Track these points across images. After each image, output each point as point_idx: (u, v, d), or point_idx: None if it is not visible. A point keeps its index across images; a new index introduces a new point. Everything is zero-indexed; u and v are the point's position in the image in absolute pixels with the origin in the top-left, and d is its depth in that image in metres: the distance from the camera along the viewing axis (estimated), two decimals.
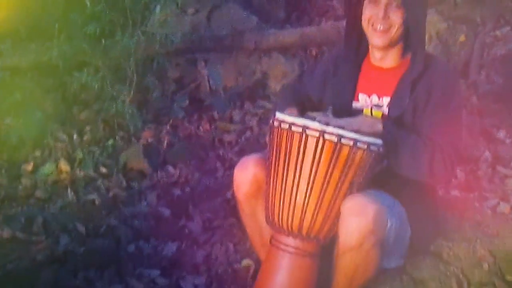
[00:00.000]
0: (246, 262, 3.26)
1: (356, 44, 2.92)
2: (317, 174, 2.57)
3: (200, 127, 4.86)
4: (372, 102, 2.85)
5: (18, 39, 5.21)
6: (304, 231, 2.62)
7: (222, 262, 3.30)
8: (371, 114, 2.82)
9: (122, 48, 4.78)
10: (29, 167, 4.27)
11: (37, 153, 4.41)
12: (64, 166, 4.21)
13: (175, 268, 3.26)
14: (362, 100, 2.86)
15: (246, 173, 2.79)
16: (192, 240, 3.50)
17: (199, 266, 3.28)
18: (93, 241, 3.45)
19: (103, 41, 4.83)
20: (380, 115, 2.81)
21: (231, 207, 3.63)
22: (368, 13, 2.78)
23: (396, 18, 2.74)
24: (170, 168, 4.31)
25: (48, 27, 5.01)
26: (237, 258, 3.33)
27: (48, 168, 4.24)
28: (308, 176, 2.58)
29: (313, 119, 2.59)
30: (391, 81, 2.83)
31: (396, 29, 2.75)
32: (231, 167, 2.89)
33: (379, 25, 2.75)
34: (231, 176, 2.88)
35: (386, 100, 2.82)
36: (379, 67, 2.88)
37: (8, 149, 4.39)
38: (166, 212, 3.80)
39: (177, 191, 4.04)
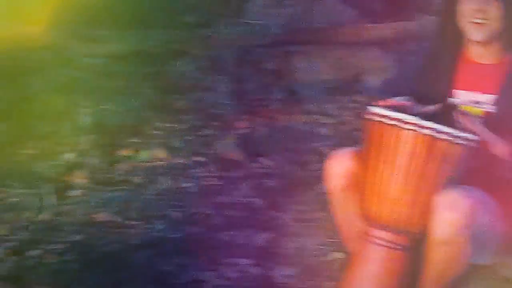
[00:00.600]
0: (336, 254, 3.25)
1: (452, 38, 2.86)
2: (412, 168, 2.55)
3: (294, 119, 4.87)
4: (470, 99, 2.79)
5: (118, 26, 5.34)
6: (397, 225, 2.60)
7: (312, 254, 3.31)
8: (468, 110, 2.76)
9: (220, 38, 4.83)
10: (127, 152, 4.37)
11: (135, 139, 4.51)
12: (160, 153, 4.30)
13: (266, 258, 3.28)
14: (459, 96, 2.80)
15: (338, 166, 2.79)
16: (283, 231, 3.52)
17: (290, 257, 3.29)
18: (187, 228, 3.52)
19: (202, 31, 4.89)
20: (479, 112, 2.75)
21: (323, 200, 3.62)
22: (466, 5, 2.72)
23: (495, 11, 2.68)
24: (264, 159, 4.33)
25: (148, 15, 5.12)
26: (327, 250, 3.32)
27: (145, 154, 4.34)
28: (402, 169, 2.56)
29: (412, 113, 2.57)
30: (492, 78, 2.76)
31: (494, 23, 2.69)
32: (324, 160, 2.89)
33: (477, 18, 2.69)
34: (324, 169, 2.88)
35: (485, 98, 2.75)
36: (478, 63, 2.80)
37: (107, 134, 4.51)
38: (259, 202, 3.83)
39: (270, 182, 4.06)
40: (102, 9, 5.36)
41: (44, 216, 3.66)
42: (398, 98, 2.84)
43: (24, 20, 5.15)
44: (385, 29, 5.44)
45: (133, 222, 3.59)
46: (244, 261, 3.26)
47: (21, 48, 4.94)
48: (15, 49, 4.89)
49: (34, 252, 3.35)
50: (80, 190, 3.94)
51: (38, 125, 4.44)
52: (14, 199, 3.80)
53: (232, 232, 3.50)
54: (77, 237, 3.47)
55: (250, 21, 5.18)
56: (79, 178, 4.06)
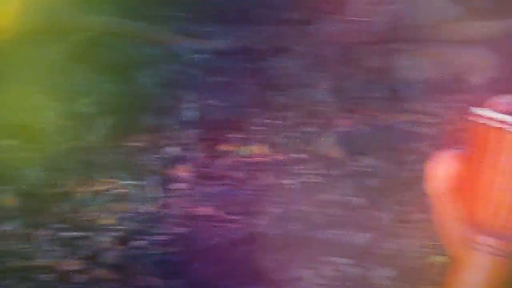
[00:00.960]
0: (437, 258, 3.21)
1: None
2: None
3: (396, 118, 4.81)
4: None
5: (224, 22, 5.42)
6: (502, 231, 2.54)
7: (413, 257, 3.27)
8: None
9: (323, 35, 4.84)
10: (229, 147, 4.44)
11: (237, 135, 4.57)
12: (261, 149, 4.35)
13: (365, 259, 3.27)
14: None
15: (441, 168, 2.73)
16: (383, 231, 3.50)
17: (389, 259, 3.27)
18: (286, 225, 3.55)
19: (305, 27, 4.91)
20: None
21: (424, 202, 3.57)
22: None
23: None
24: (365, 158, 4.30)
25: (252, 11, 5.17)
26: (427, 253, 3.28)
27: (246, 150, 4.39)
28: (508, 174, 2.49)
29: None
30: None
31: None
32: (426, 161, 2.85)
33: None
34: (425, 170, 2.85)
35: None
36: None
37: (210, 129, 4.59)
38: (359, 201, 3.82)
39: (370, 181, 4.04)
40: (208, 5, 5.45)
41: (149, 207, 3.77)
42: (504, 98, 2.77)
43: (134, 16, 5.30)
44: (491, 27, 5.30)
45: (234, 217, 3.65)
46: (342, 260, 3.26)
47: (130, 43, 5.09)
48: (124, 44, 5.04)
49: (139, 243, 3.46)
50: (183, 184, 4.03)
51: (145, 118, 4.57)
52: (121, 190, 3.92)
53: (331, 231, 3.51)
54: (180, 230, 3.56)
55: (353, 18, 5.15)
56: (182, 172, 4.15)
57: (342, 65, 5.02)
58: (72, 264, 3.35)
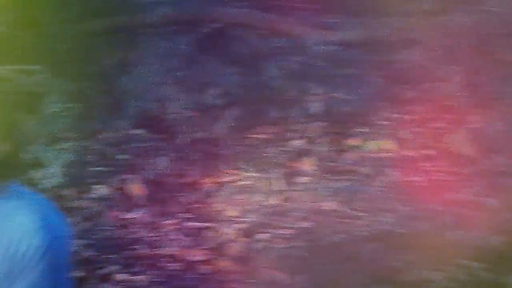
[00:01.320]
0: None
1: None
2: None
3: None
4: None
5: (352, 13, 5.35)
6: None
7: None
8: None
9: (456, 26, 4.68)
10: (355, 142, 4.36)
11: (363, 129, 4.49)
12: (390, 144, 4.25)
13: (500, 263, 3.13)
14: None
15: None
16: None
17: None
18: (415, 224, 3.45)
19: (437, 18, 4.77)
20: None
21: None
22: None
23: None
24: (499, 156, 4.12)
25: (382, 2, 5.07)
26: None
27: (372, 144, 4.30)
28: None
29: None
30: None
31: None
32: None
33: None
34: None
35: None
36: None
37: (335, 122, 4.53)
38: (493, 202, 3.66)
39: (506, 181, 3.86)
40: None
41: (273, 200, 3.76)
42: None
43: (262, 7, 5.32)
44: None
45: (360, 214, 3.58)
46: (474, 263, 3.13)
47: (258, 34, 5.10)
48: (252, 35, 5.06)
49: (263, 236, 3.46)
50: (308, 177, 4.00)
51: (271, 110, 4.56)
52: (246, 182, 3.94)
53: (462, 232, 3.38)
54: (304, 224, 3.53)
55: (488, 8, 4.95)
56: (307, 165, 4.11)
57: (476, 58, 4.83)
58: (197, 254, 3.39)
